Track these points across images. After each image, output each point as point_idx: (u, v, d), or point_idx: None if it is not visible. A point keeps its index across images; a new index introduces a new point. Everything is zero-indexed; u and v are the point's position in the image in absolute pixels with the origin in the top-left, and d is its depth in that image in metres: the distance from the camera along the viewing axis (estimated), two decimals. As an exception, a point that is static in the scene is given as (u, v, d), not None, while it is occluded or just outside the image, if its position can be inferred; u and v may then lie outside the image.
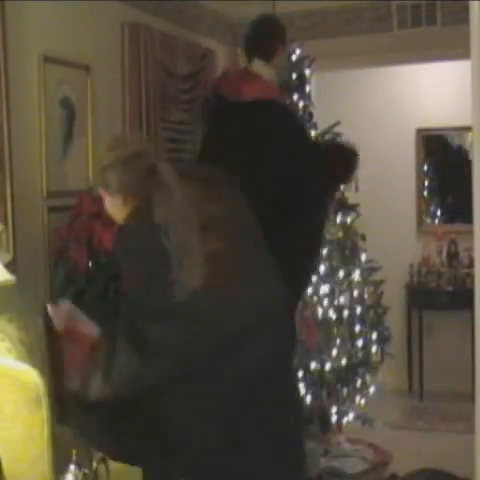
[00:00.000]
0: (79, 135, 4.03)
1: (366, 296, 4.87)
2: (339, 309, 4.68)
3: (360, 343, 4.78)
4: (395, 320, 5.81)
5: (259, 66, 3.60)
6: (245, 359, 2.48)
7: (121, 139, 3.04)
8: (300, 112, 4.78)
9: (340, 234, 4.77)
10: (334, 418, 4.69)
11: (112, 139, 2.95)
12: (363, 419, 4.83)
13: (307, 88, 4.89)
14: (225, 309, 2.47)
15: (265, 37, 3.66)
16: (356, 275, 4.82)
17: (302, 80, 4.85)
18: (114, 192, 2.69)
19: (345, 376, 4.67)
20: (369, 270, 4.90)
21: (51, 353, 2.77)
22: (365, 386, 4.85)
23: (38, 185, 3.68)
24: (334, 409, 4.68)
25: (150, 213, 2.50)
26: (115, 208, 2.70)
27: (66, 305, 2.73)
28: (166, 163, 2.66)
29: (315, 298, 4.60)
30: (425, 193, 6.86)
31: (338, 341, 4.65)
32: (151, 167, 2.61)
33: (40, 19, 3.73)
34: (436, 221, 6.85)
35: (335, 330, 4.65)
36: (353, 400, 4.79)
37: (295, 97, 4.79)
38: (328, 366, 4.55)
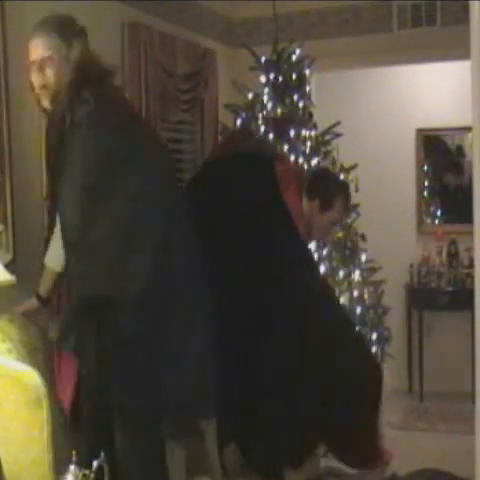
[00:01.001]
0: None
1: (366, 296, 4.86)
2: (339, 309, 4.67)
3: (360, 343, 4.77)
4: (395, 320, 5.81)
5: (305, 200, 3.75)
6: None
7: None
8: (300, 112, 4.78)
9: (340, 234, 4.76)
10: (334, 418, 4.68)
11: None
12: (363, 419, 4.82)
13: (307, 88, 4.89)
14: None
15: (322, 184, 3.81)
16: (356, 275, 4.81)
17: (302, 80, 4.85)
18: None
19: (345, 376, 4.66)
20: (369, 270, 4.90)
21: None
22: (365, 386, 4.83)
23: (38, 185, 3.67)
24: (334, 409, 4.66)
25: None
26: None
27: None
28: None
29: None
30: (425, 193, 6.85)
31: (338, 341, 4.63)
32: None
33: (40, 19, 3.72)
34: (436, 221, 6.84)
35: (335, 330, 4.64)
36: (353, 400, 4.78)
37: (295, 97, 4.79)
38: (328, 366, 4.54)
